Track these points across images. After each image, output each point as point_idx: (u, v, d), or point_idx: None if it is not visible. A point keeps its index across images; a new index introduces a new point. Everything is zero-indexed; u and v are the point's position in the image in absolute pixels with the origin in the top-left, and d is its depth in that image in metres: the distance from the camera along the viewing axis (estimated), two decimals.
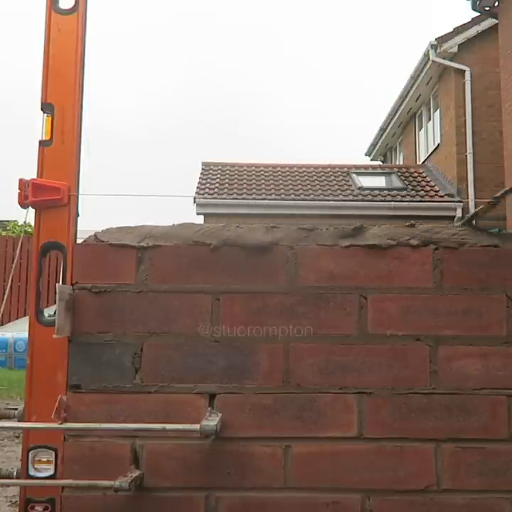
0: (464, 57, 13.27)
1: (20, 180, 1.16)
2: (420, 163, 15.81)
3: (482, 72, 13.08)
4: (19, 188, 1.16)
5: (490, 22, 12.09)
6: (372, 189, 13.54)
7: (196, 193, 12.70)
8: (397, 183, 13.99)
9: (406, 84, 15.17)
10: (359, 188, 13.61)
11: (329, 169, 14.75)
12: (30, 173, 1.17)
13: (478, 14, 11.67)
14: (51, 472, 1.12)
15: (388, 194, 13.34)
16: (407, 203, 13.01)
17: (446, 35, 13.36)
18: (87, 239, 1.18)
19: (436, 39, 13.30)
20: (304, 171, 14.55)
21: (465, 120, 13.13)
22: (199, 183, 13.82)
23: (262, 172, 14.45)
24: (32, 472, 1.12)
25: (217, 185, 13.62)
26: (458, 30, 13.33)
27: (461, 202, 12.96)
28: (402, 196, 13.31)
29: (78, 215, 1.18)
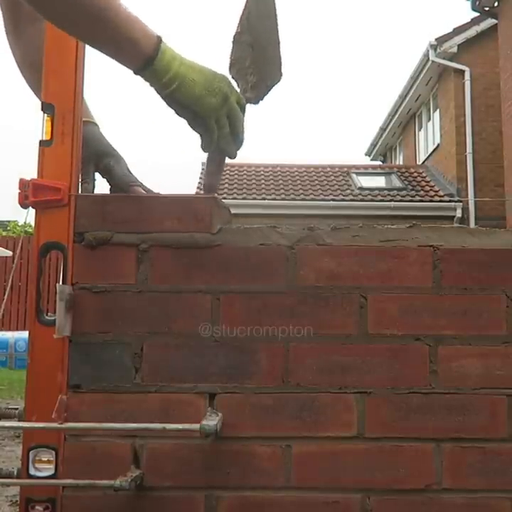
0: (463, 58, 13.29)
1: (21, 181, 1.16)
2: (420, 163, 15.83)
3: (482, 72, 13.10)
4: (19, 188, 1.16)
5: (489, 22, 12.11)
6: (372, 189, 13.56)
7: (196, 192, 12.70)
8: (397, 183, 14.01)
9: (406, 85, 15.19)
10: (359, 188, 13.62)
11: (329, 169, 14.77)
12: (31, 173, 1.17)
13: (478, 14, 11.70)
14: (52, 472, 1.12)
15: (388, 194, 13.35)
16: (407, 203, 13.03)
17: (445, 35, 13.39)
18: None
19: (435, 39, 13.32)
20: (304, 171, 14.57)
21: (465, 120, 13.15)
22: (199, 183, 13.82)
23: (262, 172, 14.47)
24: (32, 472, 1.12)
25: None
26: (457, 31, 13.36)
27: (460, 202, 12.98)
28: (402, 196, 13.32)
29: None
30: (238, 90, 1.17)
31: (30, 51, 1.30)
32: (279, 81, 1.23)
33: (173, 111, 1.10)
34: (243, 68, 1.19)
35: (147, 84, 1.06)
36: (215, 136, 1.11)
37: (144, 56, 1.03)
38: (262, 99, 1.22)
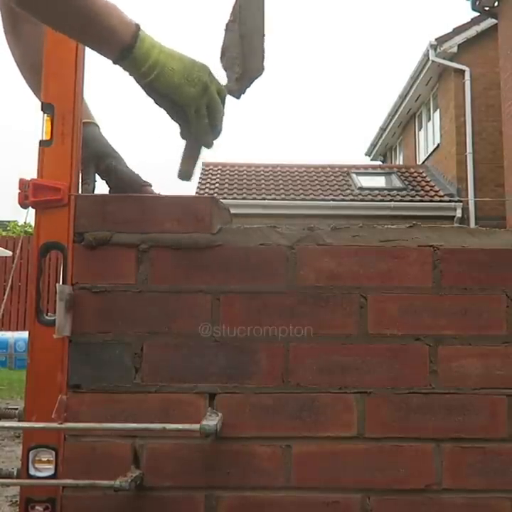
0: (463, 58, 13.28)
1: (21, 181, 1.16)
2: (420, 163, 15.82)
3: (482, 72, 13.09)
4: (19, 188, 1.16)
5: (490, 22, 12.11)
6: (372, 189, 13.56)
7: (196, 193, 12.72)
8: (397, 183, 14.00)
9: (406, 85, 15.18)
10: (359, 188, 13.62)
11: (329, 169, 14.77)
12: (31, 173, 1.17)
13: (478, 14, 11.69)
14: (51, 472, 1.12)
15: (388, 194, 13.35)
16: (407, 203, 13.03)
17: (445, 35, 13.38)
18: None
19: (435, 39, 13.31)
20: (304, 171, 14.57)
21: (465, 120, 13.15)
22: (199, 183, 13.83)
23: (262, 172, 14.47)
24: (32, 472, 1.12)
25: (217, 185, 13.64)
26: (457, 31, 13.35)
27: (460, 202, 12.98)
28: (402, 196, 13.32)
29: None
30: (220, 80, 1.16)
31: (30, 52, 1.30)
32: (261, 74, 1.22)
33: (152, 100, 1.08)
34: (231, 58, 1.19)
35: (127, 73, 1.05)
36: (194, 126, 1.10)
37: (122, 44, 1.02)
38: (243, 93, 1.21)
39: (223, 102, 1.13)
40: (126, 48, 1.02)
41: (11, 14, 1.31)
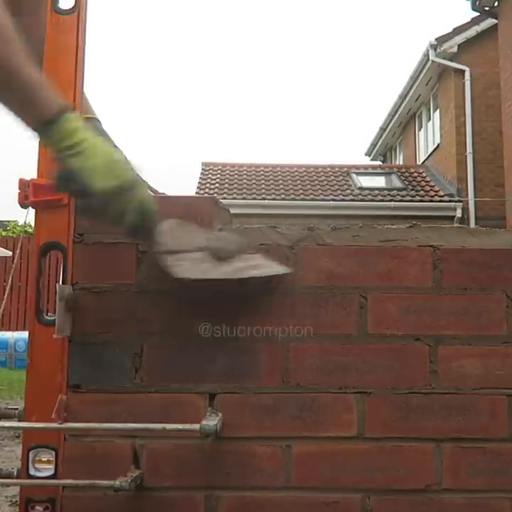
0: (463, 58, 13.28)
1: (21, 181, 1.16)
2: (420, 163, 15.81)
3: (482, 72, 13.09)
4: (19, 188, 1.16)
5: (490, 22, 12.10)
6: (372, 189, 13.56)
7: (196, 193, 12.72)
8: (397, 183, 14.00)
9: (406, 85, 15.18)
10: (359, 188, 13.62)
11: (329, 169, 14.76)
12: (30, 173, 1.17)
13: (478, 14, 11.69)
14: (51, 472, 1.12)
15: (388, 194, 13.35)
16: (407, 203, 13.03)
17: (445, 35, 13.38)
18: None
19: (435, 39, 13.31)
20: (304, 171, 14.57)
21: (465, 120, 13.14)
22: (199, 183, 13.83)
23: (262, 172, 14.47)
24: (32, 472, 1.12)
25: (217, 185, 13.63)
26: (457, 31, 13.35)
27: (460, 202, 12.97)
28: (402, 196, 13.32)
29: None
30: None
31: (30, 45, 1.29)
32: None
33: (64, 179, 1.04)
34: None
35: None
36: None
37: (46, 116, 1.00)
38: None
39: (142, 213, 1.05)
40: (49, 121, 1.00)
41: (10, 5, 1.30)
